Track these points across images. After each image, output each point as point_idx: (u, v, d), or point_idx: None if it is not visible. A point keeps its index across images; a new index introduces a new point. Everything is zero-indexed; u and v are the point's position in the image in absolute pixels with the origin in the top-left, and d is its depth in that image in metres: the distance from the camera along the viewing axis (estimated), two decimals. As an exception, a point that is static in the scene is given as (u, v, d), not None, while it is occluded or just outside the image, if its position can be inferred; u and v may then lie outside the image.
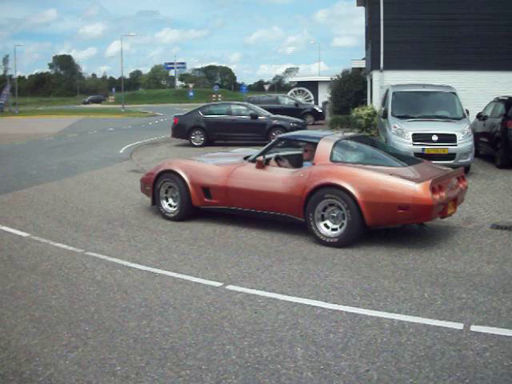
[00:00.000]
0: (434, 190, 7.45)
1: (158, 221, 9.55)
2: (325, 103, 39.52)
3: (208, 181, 9.12)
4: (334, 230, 7.95)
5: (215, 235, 8.64)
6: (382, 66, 23.24)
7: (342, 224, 7.84)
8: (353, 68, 33.22)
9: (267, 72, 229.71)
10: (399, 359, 4.56)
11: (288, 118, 23.54)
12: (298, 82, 51.88)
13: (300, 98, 40.98)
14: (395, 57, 22.90)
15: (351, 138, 8.94)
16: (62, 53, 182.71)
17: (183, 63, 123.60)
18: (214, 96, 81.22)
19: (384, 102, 16.52)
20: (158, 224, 9.34)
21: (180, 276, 6.65)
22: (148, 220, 9.62)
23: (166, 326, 5.24)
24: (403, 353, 4.67)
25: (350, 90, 28.91)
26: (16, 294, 6.16)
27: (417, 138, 13.64)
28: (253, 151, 10.09)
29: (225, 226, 9.10)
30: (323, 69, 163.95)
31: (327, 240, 7.91)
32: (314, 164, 8.31)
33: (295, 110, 32.12)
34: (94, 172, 15.78)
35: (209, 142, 22.37)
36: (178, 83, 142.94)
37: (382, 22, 22.98)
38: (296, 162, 8.95)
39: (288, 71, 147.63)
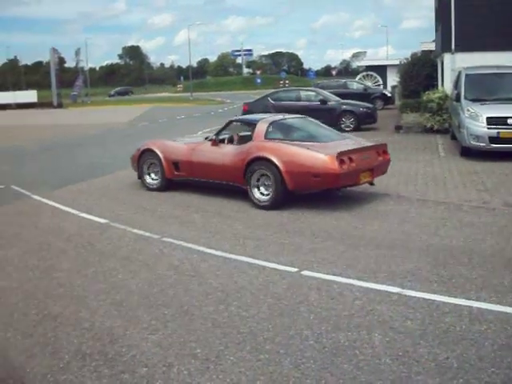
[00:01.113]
0: (341, 162, 8.84)
1: (232, 207, 9.67)
2: (394, 87, 38.81)
3: (177, 157, 10.80)
4: (265, 195, 9.44)
5: (289, 221, 8.66)
6: (453, 47, 22.61)
7: (271, 190, 9.31)
8: (422, 51, 32.43)
9: (334, 57, 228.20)
10: (479, 347, 4.49)
11: (357, 103, 23.27)
12: (366, 66, 51.08)
13: (368, 83, 40.39)
14: (467, 38, 22.14)
15: (287, 120, 10.63)
16: (130, 44, 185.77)
17: (250, 50, 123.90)
18: (281, 82, 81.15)
19: (456, 85, 16.11)
20: (232, 210, 9.46)
21: (255, 261, 6.71)
22: (222, 206, 9.74)
23: (243, 311, 5.31)
24: (483, 341, 4.59)
25: (420, 73, 28.22)
26: (97, 278, 6.36)
27: (491, 121, 13.27)
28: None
29: (297, 213, 9.10)
30: (391, 52, 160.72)
31: (260, 204, 9.44)
32: (253, 141, 9.82)
33: (364, 95, 31.64)
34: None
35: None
36: (245, 70, 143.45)
37: (452, 1, 22.33)
38: (245, 141, 10.24)
39: (355, 56, 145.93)
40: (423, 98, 20.87)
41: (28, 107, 59.27)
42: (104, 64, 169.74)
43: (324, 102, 22.35)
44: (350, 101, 23.55)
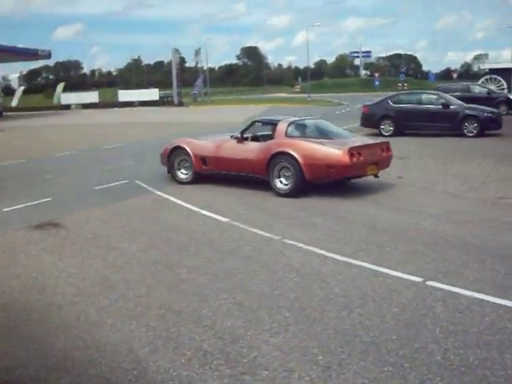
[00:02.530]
0: (351, 155, 10.32)
1: (355, 210, 9.51)
2: (519, 91, 36.98)
3: (205, 153, 12.12)
4: (286, 185, 10.81)
5: (410, 228, 8.39)
6: None
7: (291, 180, 10.64)
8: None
9: (454, 59, 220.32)
10: None
11: (481, 107, 22.34)
12: (490, 69, 49.00)
13: (492, 86, 38.70)
14: None
15: (305, 120, 12.20)
16: (249, 44, 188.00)
17: (368, 52, 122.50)
18: (399, 85, 79.68)
19: None
20: (355, 214, 9.30)
21: (378, 268, 6.52)
22: (344, 209, 9.61)
23: (366, 319, 5.15)
24: None
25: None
26: (219, 276, 6.39)
27: None
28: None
29: (419, 219, 8.81)
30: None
31: (281, 192, 10.81)
32: (274, 138, 11.29)
33: (487, 99, 30.27)
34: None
35: (398, 132, 21.87)
36: (363, 72, 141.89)
37: None
38: (267, 139, 11.67)
39: (477, 58, 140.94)
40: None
41: (150, 105, 61.43)
42: (223, 64, 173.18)
43: (446, 105, 21.65)
44: (474, 105, 22.68)
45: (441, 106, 21.68)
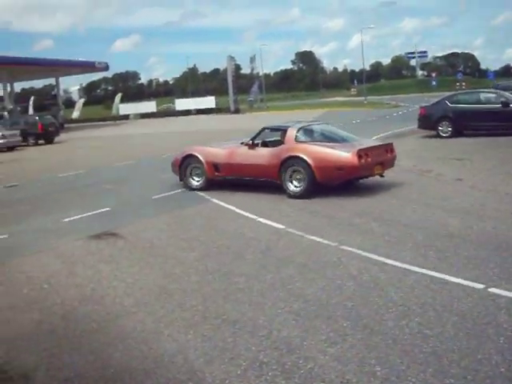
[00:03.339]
0: (359, 157, 10.86)
1: (411, 215, 9.31)
2: None
3: (217, 160, 12.58)
4: (298, 187, 11.33)
5: (470, 232, 8.12)
6: None
7: (303, 183, 11.17)
8: None
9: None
10: None
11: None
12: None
13: (555, 82, 37.54)
14: None
15: (312, 126, 12.78)
16: (304, 49, 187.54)
17: (424, 52, 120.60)
18: (457, 84, 78.23)
19: None
20: (410, 218, 9.09)
21: (438, 275, 6.33)
22: (399, 214, 9.42)
23: (426, 329, 5.00)
24: None
25: None
26: (275, 285, 6.33)
27: None
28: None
29: (479, 222, 8.55)
30: None
31: (294, 194, 11.30)
32: (285, 144, 11.70)
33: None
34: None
35: (457, 133, 21.37)
36: (419, 72, 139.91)
37: None
38: (276, 144, 12.13)
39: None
40: None
41: (207, 112, 62.04)
42: (278, 70, 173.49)
43: (506, 104, 20.99)
44: (537, 104, 21.95)
45: (500, 105, 21.06)
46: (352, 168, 10.93)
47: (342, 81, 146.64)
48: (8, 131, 31.34)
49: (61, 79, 66.11)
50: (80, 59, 65.88)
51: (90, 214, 10.90)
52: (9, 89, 57.95)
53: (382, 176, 11.89)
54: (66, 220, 10.44)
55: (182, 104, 70.18)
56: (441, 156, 16.43)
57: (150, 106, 72.18)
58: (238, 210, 10.41)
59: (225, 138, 19.65)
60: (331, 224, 9.05)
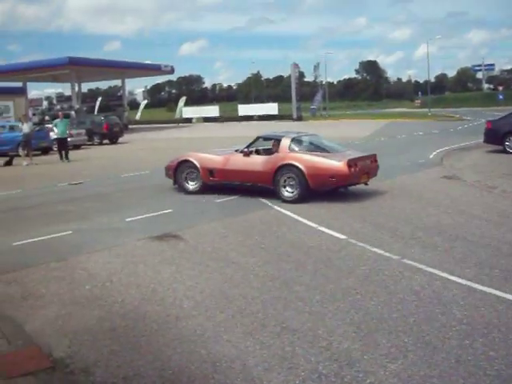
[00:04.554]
0: (349, 166, 11.76)
1: (475, 231, 9.07)
2: None
3: (212, 165, 13.38)
4: (291, 193, 12.11)
5: (540, 253, 7.88)
6: None
7: (296, 189, 12.00)
8: None
9: None
10: None
11: None
12: None
13: None
14: None
15: (303, 137, 13.37)
16: (369, 58, 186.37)
17: (491, 64, 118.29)
18: (526, 98, 76.29)
19: None
20: (474, 235, 8.84)
21: (503, 295, 6.14)
22: (465, 231, 9.17)
23: (490, 350, 4.85)
24: None
25: None
26: (336, 296, 6.27)
27: None
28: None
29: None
30: None
31: (287, 199, 12.03)
32: (279, 152, 12.53)
33: None
34: (404, 177, 15.74)
35: (525, 149, 20.82)
36: (485, 85, 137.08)
37: None
38: (268, 153, 13.05)
39: None
40: None
41: (269, 119, 62.14)
42: (342, 78, 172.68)
43: None
44: None
45: None
46: (343, 176, 11.87)
47: (406, 92, 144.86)
48: (75, 130, 32.12)
49: (126, 81, 67.32)
50: (146, 62, 67.16)
51: (152, 214, 11.04)
52: (76, 89, 59.38)
53: (366, 184, 12.89)
54: (129, 219, 10.60)
55: (244, 110, 70.50)
56: (506, 172, 16.00)
57: (213, 111, 72.77)
58: (298, 218, 10.36)
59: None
60: (394, 237, 8.88)
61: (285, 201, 11.97)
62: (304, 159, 12.15)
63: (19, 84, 53.85)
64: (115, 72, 61.09)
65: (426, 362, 4.67)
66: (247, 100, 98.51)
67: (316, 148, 12.87)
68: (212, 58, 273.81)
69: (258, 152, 13.37)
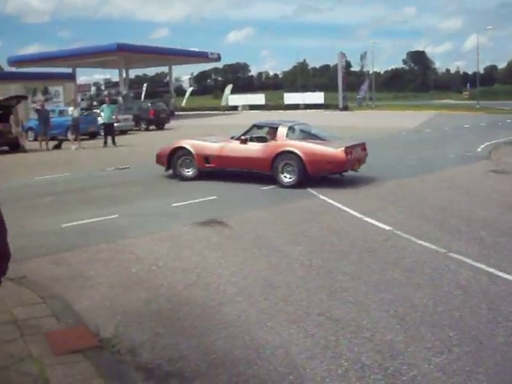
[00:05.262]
0: (346, 153, 12.38)
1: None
2: None
3: (208, 152, 13.73)
4: (289, 178, 12.60)
5: None
6: None
7: (294, 174, 12.50)
8: None
9: None
10: None
11: None
12: None
13: None
14: None
15: (299, 125, 13.95)
16: (417, 49, 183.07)
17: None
18: None
19: None
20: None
21: (553, 293, 6.04)
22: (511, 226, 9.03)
23: (539, 348, 4.77)
24: None
25: None
26: (380, 287, 6.24)
27: None
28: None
29: None
30: None
31: (286, 184, 12.54)
32: (276, 140, 13.00)
33: None
34: (452, 170, 15.53)
35: None
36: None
37: None
38: (263, 140, 13.45)
39: None
40: None
41: (315, 108, 61.82)
42: (388, 69, 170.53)
43: None
44: None
45: None
46: (340, 163, 12.49)
47: (454, 83, 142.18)
48: (122, 115, 32.49)
49: (173, 68, 67.70)
50: (193, 49, 67.41)
51: (197, 200, 11.14)
52: (124, 75, 60.00)
53: (356, 171, 13.33)
54: (175, 205, 10.72)
55: (290, 98, 70.22)
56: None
57: (258, 99, 72.70)
58: (344, 208, 10.32)
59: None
60: (441, 230, 8.77)
61: (283, 186, 12.48)
62: (302, 146, 12.66)
63: (69, 70, 54.70)
64: (162, 59, 61.52)
65: (472, 357, 4.61)
66: (293, 89, 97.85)
67: (311, 136, 13.46)
68: (258, 46, 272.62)
69: (252, 140, 13.64)
